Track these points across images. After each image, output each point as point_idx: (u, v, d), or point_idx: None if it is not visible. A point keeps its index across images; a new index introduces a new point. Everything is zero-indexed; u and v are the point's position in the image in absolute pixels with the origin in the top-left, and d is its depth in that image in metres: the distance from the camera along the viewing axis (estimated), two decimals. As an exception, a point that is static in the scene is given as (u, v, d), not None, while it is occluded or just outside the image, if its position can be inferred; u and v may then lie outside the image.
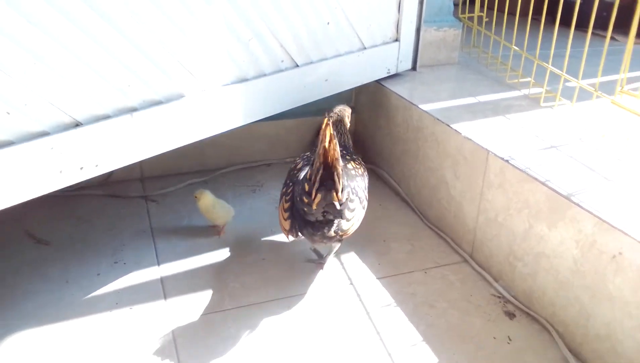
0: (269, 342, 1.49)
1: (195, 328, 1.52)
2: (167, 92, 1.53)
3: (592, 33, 1.83)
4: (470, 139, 1.77)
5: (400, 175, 2.21)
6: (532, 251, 1.57)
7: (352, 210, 1.53)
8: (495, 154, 1.67)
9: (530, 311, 1.59)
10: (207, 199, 1.88)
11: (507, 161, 1.63)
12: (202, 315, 1.57)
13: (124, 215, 2.03)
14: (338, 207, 1.47)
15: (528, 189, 1.55)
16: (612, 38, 1.81)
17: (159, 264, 1.77)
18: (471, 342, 1.50)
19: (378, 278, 1.74)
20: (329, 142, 1.35)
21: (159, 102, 1.50)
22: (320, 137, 1.36)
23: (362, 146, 2.48)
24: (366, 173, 1.76)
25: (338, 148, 1.39)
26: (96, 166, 1.38)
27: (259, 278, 1.72)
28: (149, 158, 2.23)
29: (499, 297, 1.67)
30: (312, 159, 1.47)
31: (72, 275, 1.71)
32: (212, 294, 1.65)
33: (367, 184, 1.71)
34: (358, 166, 1.72)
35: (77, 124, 1.33)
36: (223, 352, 1.45)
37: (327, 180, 1.42)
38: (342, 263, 1.81)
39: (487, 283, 1.73)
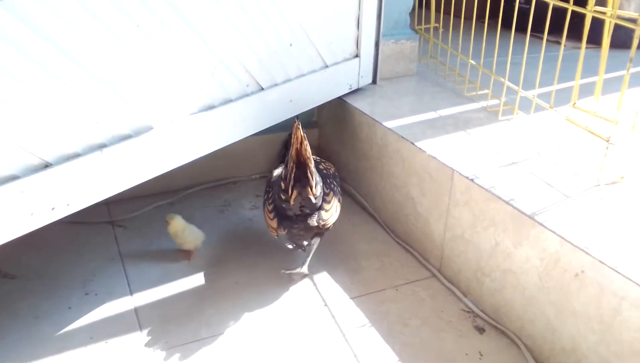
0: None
1: (172, 361, 1.52)
2: (136, 126, 1.51)
3: (546, 40, 1.90)
4: (435, 158, 1.82)
5: (366, 190, 2.25)
6: (499, 268, 1.63)
7: (329, 202, 1.71)
8: (460, 173, 1.73)
9: (499, 326, 1.65)
10: (177, 224, 1.87)
11: (472, 180, 1.68)
12: (179, 345, 1.57)
13: (91, 242, 2.01)
14: (313, 201, 1.64)
15: (493, 208, 1.61)
16: (557, 42, 1.88)
17: (131, 293, 1.76)
18: (445, 359, 1.55)
19: (352, 298, 1.78)
20: (300, 143, 1.54)
21: (128, 137, 1.49)
22: (292, 139, 1.54)
23: (327, 161, 2.51)
24: (337, 173, 1.90)
25: (309, 148, 1.57)
26: (67, 205, 1.36)
27: (234, 303, 1.73)
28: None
29: (469, 312, 1.73)
30: (286, 160, 1.63)
31: (42, 309, 1.68)
32: (188, 323, 1.65)
33: (339, 182, 1.86)
34: (329, 167, 1.88)
35: (47, 165, 1.31)
36: (203, 384, 1.46)
37: (301, 178, 1.60)
38: (315, 284, 1.83)
39: (456, 298, 1.78)
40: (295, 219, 1.66)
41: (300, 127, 1.54)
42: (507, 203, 1.57)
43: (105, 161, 1.43)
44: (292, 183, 1.58)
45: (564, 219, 1.47)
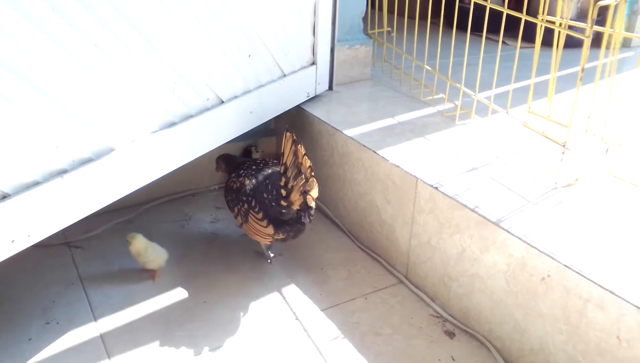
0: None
1: (146, 388, 1.48)
2: (97, 149, 1.46)
3: (490, 39, 1.94)
4: (399, 166, 1.84)
5: (328, 198, 2.26)
6: (466, 273, 1.67)
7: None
8: (424, 182, 1.75)
9: (468, 329, 1.69)
10: (139, 244, 1.83)
11: (436, 188, 1.71)
12: (150, 371, 1.53)
13: (48, 266, 1.92)
14: (313, 206, 1.74)
15: (459, 216, 1.65)
16: (503, 43, 1.94)
17: (95, 319, 1.70)
18: (418, 366, 1.58)
19: (322, 310, 1.78)
20: (303, 156, 1.64)
21: (89, 160, 1.44)
22: (285, 149, 1.66)
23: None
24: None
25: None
26: (28, 236, 1.30)
27: (204, 323, 1.70)
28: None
29: (438, 317, 1.76)
30: (277, 169, 1.77)
31: (0, 340, 1.60)
32: (159, 347, 1.61)
33: None
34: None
35: (5, 196, 1.25)
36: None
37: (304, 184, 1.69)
38: (284, 297, 1.82)
39: (424, 304, 1.81)
40: (291, 222, 1.77)
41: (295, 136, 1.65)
42: (473, 210, 1.60)
43: (67, 187, 1.38)
44: (299, 189, 1.67)
45: (528, 225, 1.52)
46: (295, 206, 1.72)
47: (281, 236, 1.80)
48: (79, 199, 1.42)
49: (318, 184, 1.74)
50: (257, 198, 1.78)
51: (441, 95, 2.33)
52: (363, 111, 2.29)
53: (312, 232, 2.16)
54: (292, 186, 1.68)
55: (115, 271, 1.91)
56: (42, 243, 2.00)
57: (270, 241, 1.84)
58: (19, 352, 1.57)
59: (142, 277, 1.88)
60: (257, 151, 2.47)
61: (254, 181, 1.83)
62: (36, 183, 1.32)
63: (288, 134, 1.65)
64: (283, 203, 1.72)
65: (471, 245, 1.63)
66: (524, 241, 1.47)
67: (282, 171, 1.71)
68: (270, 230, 1.77)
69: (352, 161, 2.05)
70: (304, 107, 2.31)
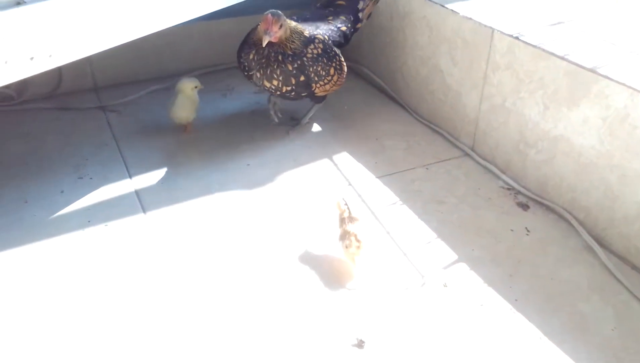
0: (271, 245, 1.33)
1: (182, 241, 1.34)
2: (127, -34, 1.26)
3: None
4: (471, 19, 1.59)
5: (384, 70, 2.03)
6: (547, 136, 1.44)
7: None
8: (501, 32, 1.51)
9: (544, 201, 1.48)
10: (188, 81, 1.72)
11: (516, 37, 1.46)
12: (190, 226, 1.39)
13: (80, 128, 1.79)
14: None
15: (543, 67, 1.41)
16: None
17: (130, 176, 1.56)
18: (488, 235, 1.39)
19: (378, 177, 1.59)
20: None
21: (118, -22, 1.24)
22: None
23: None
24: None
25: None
26: (50, 56, 1.13)
27: (245, 185, 1.54)
28: (102, 66, 1.98)
29: (509, 189, 1.55)
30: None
31: (31, 194, 1.48)
32: (197, 205, 1.46)
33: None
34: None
35: (19, 2, 1.07)
36: (216, 258, 1.29)
37: None
38: (335, 164, 1.65)
39: (493, 176, 1.61)
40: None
41: None
42: (562, 58, 1.36)
43: (89, 6, 1.19)
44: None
45: (633, 73, 1.27)
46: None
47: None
48: (103, 24, 1.23)
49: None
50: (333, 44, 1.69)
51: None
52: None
53: (365, 105, 1.96)
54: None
55: (153, 134, 1.77)
56: (75, 106, 1.89)
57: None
58: (51, 203, 1.45)
59: (182, 141, 1.73)
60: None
61: (322, 32, 1.69)
62: (57, -7, 1.13)
63: None
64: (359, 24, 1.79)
65: (556, 100, 1.39)
66: (629, 87, 1.22)
67: None
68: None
69: (415, 22, 1.81)
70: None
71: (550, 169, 1.46)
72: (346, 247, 1.24)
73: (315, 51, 1.62)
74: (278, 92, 1.65)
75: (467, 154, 1.69)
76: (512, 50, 1.49)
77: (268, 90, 1.65)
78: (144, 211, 1.43)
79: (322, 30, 1.69)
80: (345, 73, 1.73)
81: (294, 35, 1.58)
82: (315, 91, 1.67)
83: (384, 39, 1.98)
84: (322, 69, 1.63)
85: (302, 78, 1.61)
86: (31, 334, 1.11)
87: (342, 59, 1.71)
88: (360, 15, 1.80)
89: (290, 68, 1.58)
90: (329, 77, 1.67)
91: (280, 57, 1.57)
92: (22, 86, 1.88)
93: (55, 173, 1.56)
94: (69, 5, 1.15)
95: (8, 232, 1.35)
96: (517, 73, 1.49)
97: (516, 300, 1.21)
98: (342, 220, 1.28)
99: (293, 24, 1.61)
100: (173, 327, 1.13)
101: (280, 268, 1.28)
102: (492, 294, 1.22)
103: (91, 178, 1.55)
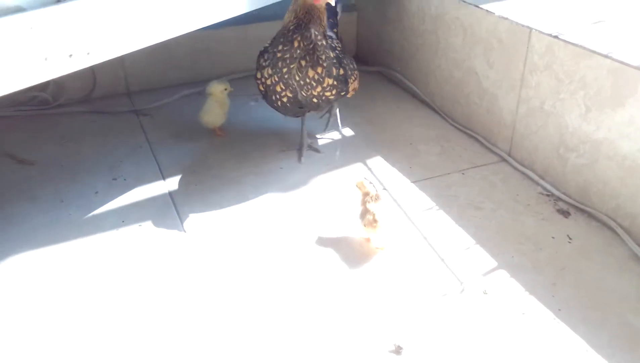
0: (306, 249, 1.31)
1: (217, 242, 1.33)
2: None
3: None
4: (507, 18, 1.56)
5: (416, 73, 2.00)
6: (589, 139, 1.40)
7: None
8: (540, 31, 1.47)
9: (586, 208, 1.43)
10: (218, 84, 1.73)
11: (555, 36, 1.43)
12: (223, 227, 1.38)
13: (114, 131, 1.80)
14: None
15: (585, 66, 1.37)
16: None
17: (164, 178, 1.56)
18: (528, 242, 1.35)
19: (413, 182, 1.56)
20: None
21: (156, -21, 1.24)
22: None
23: (367, 48, 2.26)
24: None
25: None
26: (88, 54, 1.13)
27: (279, 188, 1.53)
28: (134, 71, 2.00)
29: (548, 195, 1.51)
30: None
31: (66, 194, 1.49)
32: (230, 206, 1.45)
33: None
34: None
35: (59, 0, 1.08)
36: (250, 261, 1.27)
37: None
38: (369, 168, 1.62)
39: (532, 182, 1.56)
40: None
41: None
42: (606, 56, 1.31)
43: (128, 4, 1.19)
44: None
45: (682, 71, 1.22)
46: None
47: None
48: (139, 23, 1.23)
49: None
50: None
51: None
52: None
53: (398, 110, 1.93)
54: None
55: (186, 137, 1.77)
56: (109, 110, 1.90)
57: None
58: (86, 203, 1.46)
59: (215, 145, 1.72)
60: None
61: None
62: (95, -7, 1.13)
63: None
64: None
65: (599, 101, 1.35)
66: (678, 87, 1.18)
67: None
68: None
69: (448, 23, 1.78)
70: (392, -29, 2.03)
71: (593, 174, 1.41)
72: (364, 225, 1.28)
73: (339, 47, 1.55)
74: (316, 93, 1.47)
75: (504, 160, 1.65)
76: (551, 49, 1.45)
77: (304, 93, 1.47)
78: (178, 212, 1.43)
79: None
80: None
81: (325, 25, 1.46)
82: (350, 89, 1.56)
83: (415, 42, 1.96)
84: (350, 62, 1.56)
85: (341, 72, 1.50)
86: (67, 332, 1.10)
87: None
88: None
89: (332, 55, 1.46)
90: (356, 72, 1.59)
91: (312, 47, 1.41)
92: (58, 90, 1.91)
93: (90, 174, 1.57)
94: (106, 3, 1.15)
95: (45, 231, 1.36)
96: (556, 74, 1.45)
97: (559, 309, 1.16)
98: (364, 199, 1.31)
99: None
100: (207, 327, 1.11)
101: (314, 272, 1.25)
102: (534, 302, 1.18)
103: (125, 179, 1.55)
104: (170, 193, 1.50)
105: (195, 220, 1.40)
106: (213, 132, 1.75)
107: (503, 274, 1.25)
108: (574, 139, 1.44)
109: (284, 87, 1.47)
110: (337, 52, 1.51)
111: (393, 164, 1.64)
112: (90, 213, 1.42)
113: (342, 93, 1.55)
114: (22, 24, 1.02)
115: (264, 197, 1.49)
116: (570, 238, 1.36)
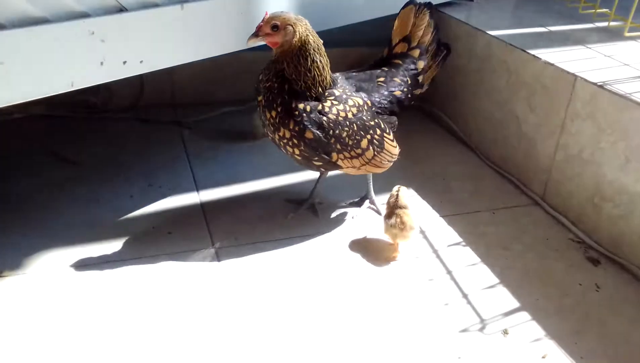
0: (328, 272, 1.32)
1: (243, 256, 1.35)
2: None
3: None
4: (553, 65, 1.57)
5: (456, 112, 2.01)
6: (626, 190, 1.38)
7: None
8: (584, 79, 1.47)
9: (618, 258, 1.41)
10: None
11: (600, 86, 1.42)
12: (249, 243, 1.40)
13: (156, 140, 1.85)
14: None
15: (629, 118, 1.36)
16: None
17: (197, 190, 1.60)
18: (554, 287, 1.33)
19: (442, 216, 1.56)
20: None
21: (213, -4, 1.30)
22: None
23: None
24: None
25: None
26: (140, 62, 1.19)
27: (310, 214, 1.54)
28: (181, 84, 2.06)
29: (579, 242, 1.49)
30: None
31: (103, 195, 1.54)
32: (260, 223, 1.47)
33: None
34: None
35: (122, 9, 1.13)
36: (272, 277, 1.28)
37: None
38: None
39: (563, 227, 1.54)
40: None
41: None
42: (649, 109, 1.30)
43: (185, 18, 1.24)
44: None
45: None
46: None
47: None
48: (194, 37, 1.28)
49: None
50: (377, 113, 1.39)
51: (605, 10, 1.98)
52: (507, 18, 2.01)
53: (433, 146, 1.94)
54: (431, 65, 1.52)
55: (223, 152, 1.81)
56: (153, 119, 1.96)
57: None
58: (120, 206, 1.50)
59: (248, 161, 1.76)
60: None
61: (361, 96, 1.37)
62: (155, 5, 1.19)
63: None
64: (418, 90, 1.52)
65: (640, 153, 1.34)
66: None
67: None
68: (397, 148, 1.44)
69: (494, 65, 1.79)
70: (439, 8, 2.06)
71: (627, 225, 1.39)
72: (390, 226, 1.32)
73: (343, 114, 1.29)
74: (279, 142, 1.30)
75: (536, 203, 1.64)
76: (595, 98, 1.44)
77: (270, 134, 1.31)
78: (207, 224, 1.46)
79: (365, 92, 1.38)
80: (389, 153, 1.41)
81: (319, 73, 1.27)
82: (339, 164, 1.34)
83: (459, 81, 1.97)
84: (349, 136, 1.30)
85: (310, 136, 1.25)
86: (89, 333, 1.13)
87: (389, 135, 1.40)
88: (420, 78, 1.49)
89: (297, 114, 1.22)
90: (359, 150, 1.33)
91: (286, 87, 1.22)
92: (107, 96, 1.98)
93: (127, 179, 1.62)
94: (163, 16, 1.20)
95: (75, 230, 1.40)
96: (598, 123, 1.44)
97: (582, 357, 1.14)
98: (392, 203, 1.36)
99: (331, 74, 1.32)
100: (214, 331, 1.13)
101: (342, 299, 1.26)
102: (555, 348, 1.16)
103: (160, 187, 1.59)
104: (202, 204, 1.53)
105: (225, 234, 1.42)
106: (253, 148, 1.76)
107: (525, 316, 1.23)
108: (610, 189, 1.42)
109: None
110: (325, 117, 1.26)
111: (424, 197, 1.64)
112: (123, 216, 1.46)
113: (319, 164, 1.33)
114: (85, 29, 1.08)
115: (293, 220, 1.51)
116: (598, 287, 1.34)
